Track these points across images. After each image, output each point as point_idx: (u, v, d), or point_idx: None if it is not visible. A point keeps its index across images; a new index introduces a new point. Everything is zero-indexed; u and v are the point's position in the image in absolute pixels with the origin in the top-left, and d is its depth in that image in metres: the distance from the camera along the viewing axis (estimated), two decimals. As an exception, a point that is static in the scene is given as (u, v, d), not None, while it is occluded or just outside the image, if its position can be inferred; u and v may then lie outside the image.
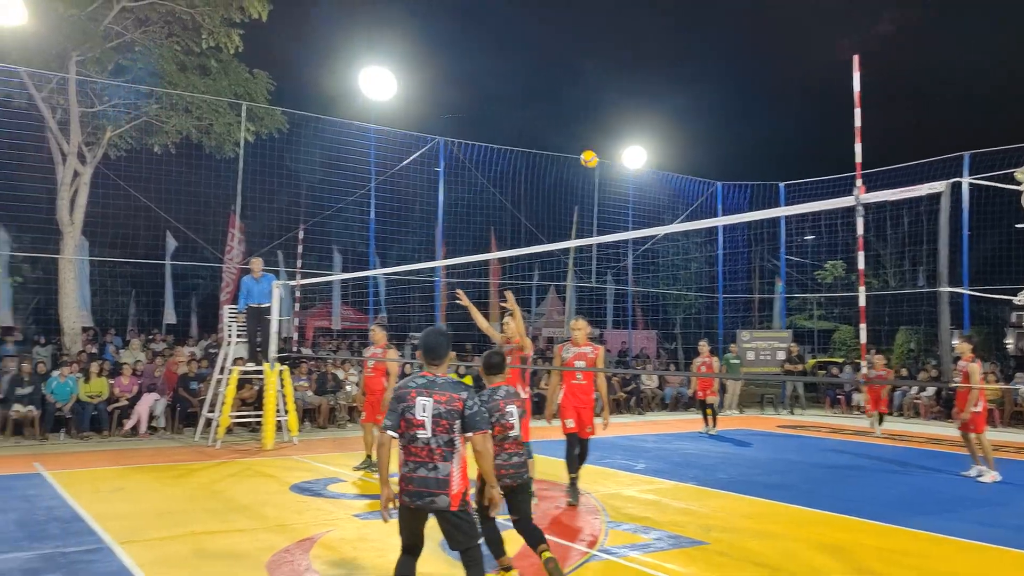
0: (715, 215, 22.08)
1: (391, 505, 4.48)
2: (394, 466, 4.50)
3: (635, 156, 21.71)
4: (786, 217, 22.32)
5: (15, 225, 19.29)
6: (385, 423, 4.47)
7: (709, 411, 15.48)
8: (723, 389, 19.80)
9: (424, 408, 4.40)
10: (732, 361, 19.42)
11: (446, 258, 17.95)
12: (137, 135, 17.55)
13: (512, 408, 5.61)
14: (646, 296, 25.60)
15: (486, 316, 9.63)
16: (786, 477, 10.74)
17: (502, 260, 22.42)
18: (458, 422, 4.44)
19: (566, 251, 22.60)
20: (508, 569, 5.61)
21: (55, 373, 13.87)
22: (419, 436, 4.39)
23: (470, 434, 4.46)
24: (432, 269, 17.97)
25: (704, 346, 15.94)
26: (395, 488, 4.50)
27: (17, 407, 13.10)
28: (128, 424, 13.85)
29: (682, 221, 20.65)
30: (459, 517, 4.45)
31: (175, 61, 16.78)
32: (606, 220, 21.03)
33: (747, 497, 9.14)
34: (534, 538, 5.52)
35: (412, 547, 4.57)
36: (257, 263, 13.54)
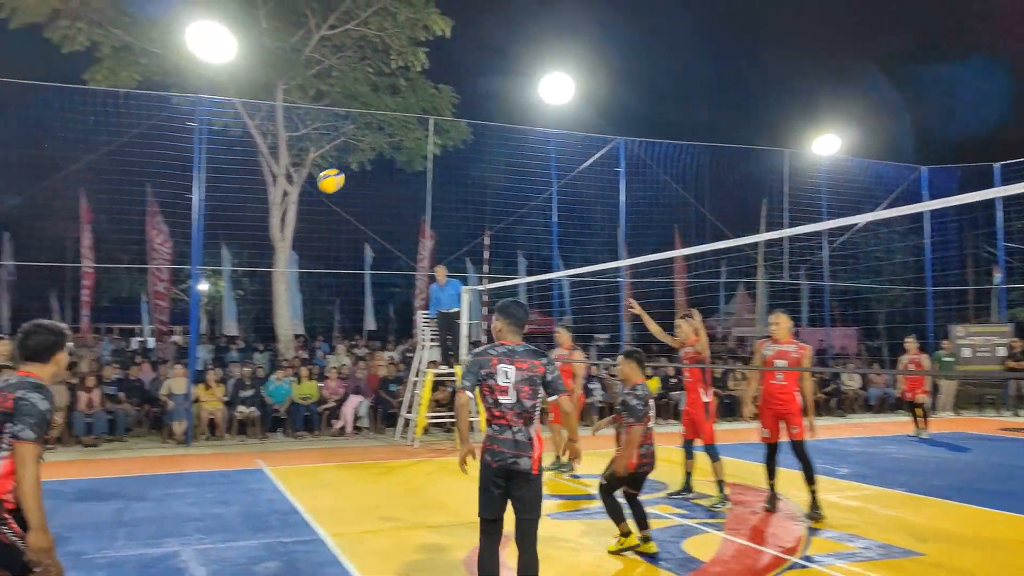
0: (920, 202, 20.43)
1: (470, 458, 4.81)
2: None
3: (827, 143, 20.58)
4: (1005, 201, 20.26)
5: (236, 244, 21.30)
6: (464, 383, 4.79)
7: (919, 411, 14.34)
8: (936, 390, 18.31)
9: (507, 375, 4.65)
10: (946, 359, 17.90)
11: (629, 258, 17.83)
12: (336, 155, 18.82)
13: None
14: (844, 292, 24.13)
15: (671, 316, 9.45)
16: (1010, 484, 9.76)
17: (687, 258, 21.95)
18: (540, 388, 4.69)
19: (755, 247, 21.77)
20: (627, 535, 6.46)
21: (272, 377, 15.14)
22: (502, 401, 4.65)
23: (554, 397, 4.72)
24: (616, 269, 17.91)
25: (911, 343, 14.78)
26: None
27: (241, 408, 14.42)
28: (336, 425, 14.86)
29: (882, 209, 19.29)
30: (537, 480, 4.70)
31: (368, 83, 17.84)
32: (798, 212, 20.03)
33: (966, 506, 8.40)
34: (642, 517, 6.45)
35: (493, 523, 4.78)
36: (440, 271, 14.11)
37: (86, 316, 19.23)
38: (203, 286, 28.13)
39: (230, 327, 21.14)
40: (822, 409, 18.62)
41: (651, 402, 6.39)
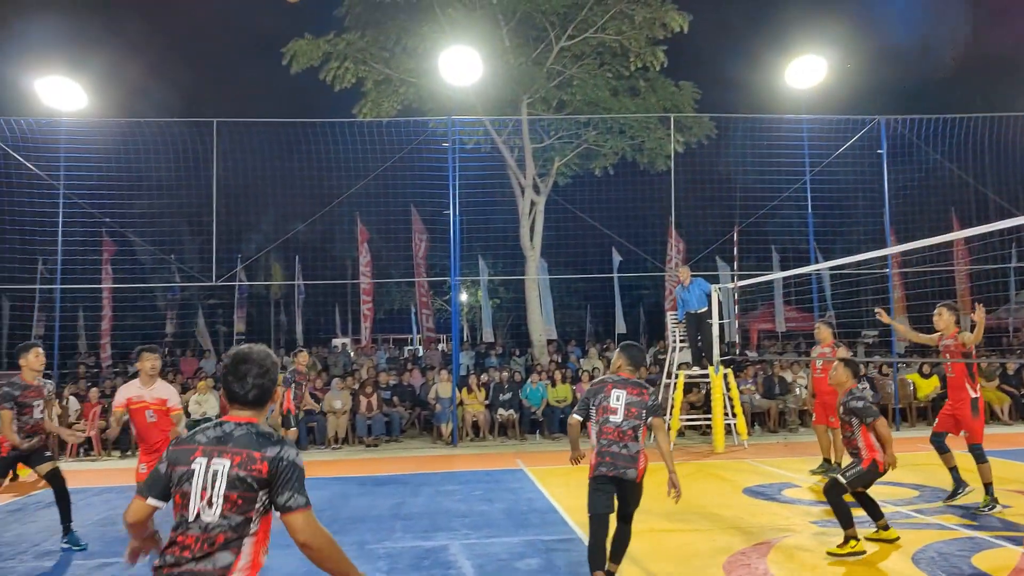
0: None
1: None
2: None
3: None
4: None
5: (490, 254, 22.41)
6: (576, 411, 5.75)
7: None
8: None
9: (618, 398, 5.52)
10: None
11: (897, 245, 16.39)
12: (580, 162, 19.18)
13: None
14: None
15: (956, 307, 8.51)
16: None
17: (968, 242, 19.74)
18: (644, 411, 5.49)
19: (1052, 225, 19.08)
20: (856, 539, 6.41)
21: (528, 381, 15.71)
22: (611, 420, 5.49)
23: (651, 419, 5.51)
24: (882, 259, 16.52)
25: None
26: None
27: (501, 411, 15.11)
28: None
29: None
30: (639, 487, 5.54)
31: (608, 88, 18.02)
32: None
33: None
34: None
35: (604, 513, 5.46)
36: (684, 271, 13.83)
37: (366, 328, 21.18)
38: (463, 296, 29.93)
39: (488, 334, 22.24)
40: None
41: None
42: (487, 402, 15.28)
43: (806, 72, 16.28)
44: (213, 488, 2.77)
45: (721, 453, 12.63)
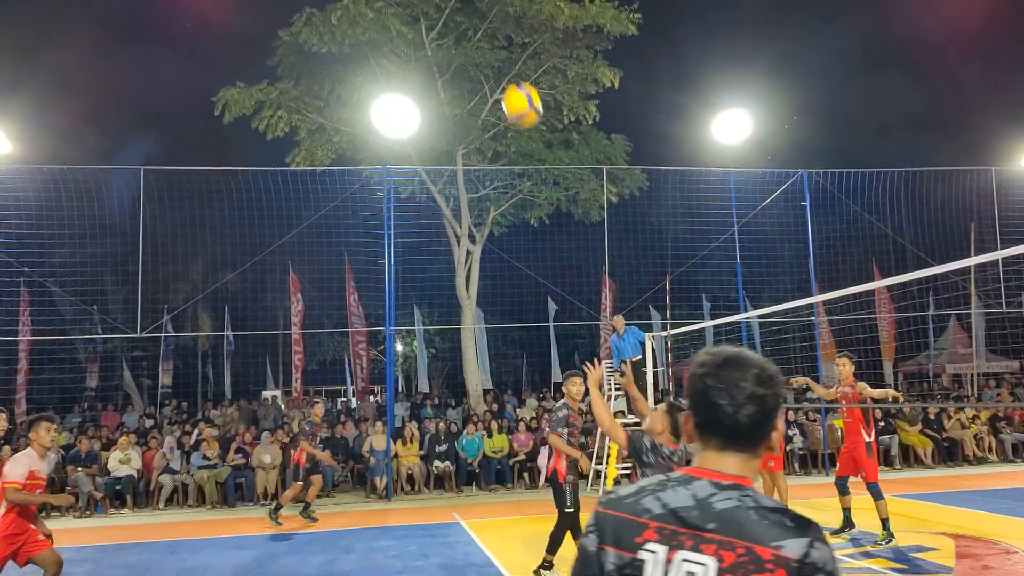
0: None
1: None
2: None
3: (1042, 156, 18.67)
4: None
5: (426, 303, 22.30)
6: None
7: None
8: None
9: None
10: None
11: (822, 294, 16.89)
12: (515, 212, 19.35)
13: None
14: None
15: (876, 352, 8.92)
16: None
17: (889, 290, 20.50)
18: None
19: (965, 273, 19.97)
20: None
21: (464, 432, 15.53)
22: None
23: None
24: (808, 307, 17.00)
25: None
26: None
27: (437, 463, 14.87)
28: (542, 480, 14.95)
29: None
30: None
31: (542, 140, 18.31)
32: (1012, 234, 18.21)
33: None
34: None
35: None
36: (619, 320, 13.99)
37: (297, 379, 20.72)
38: (398, 346, 29.63)
39: (423, 384, 22.02)
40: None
41: None
42: (422, 454, 15.03)
43: (732, 127, 16.83)
44: None
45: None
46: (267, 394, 25.01)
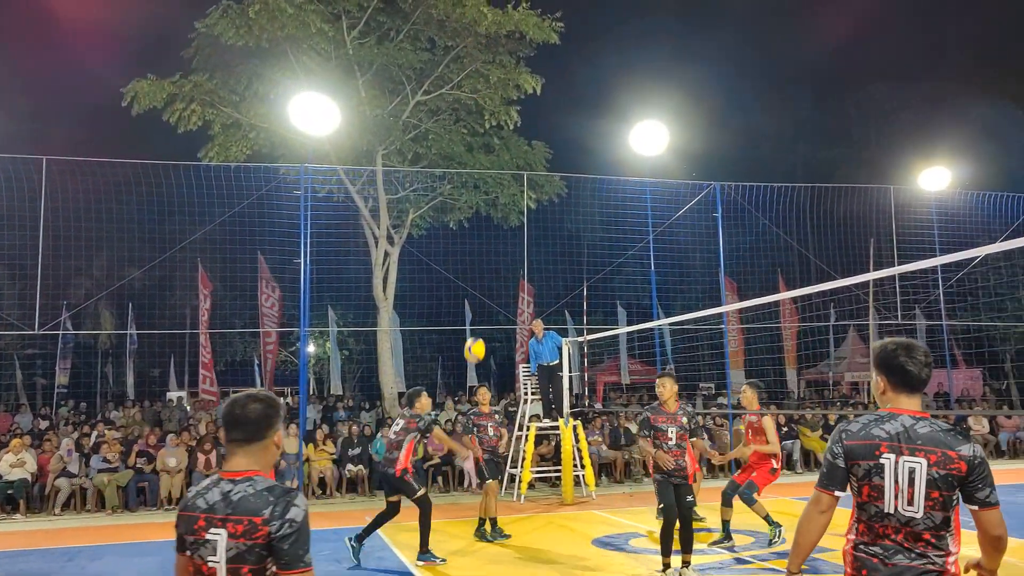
0: (1043, 232, 19.26)
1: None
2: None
3: (936, 177, 19.71)
4: None
5: (341, 305, 21.98)
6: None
7: None
8: None
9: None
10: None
11: (731, 304, 17.42)
12: (434, 214, 19.30)
13: None
14: (965, 330, 22.85)
15: (781, 362, 9.26)
16: None
17: (794, 301, 21.28)
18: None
19: (864, 287, 20.95)
20: None
21: (379, 435, 15.36)
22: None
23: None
24: (718, 316, 17.51)
25: None
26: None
27: (350, 466, 14.67)
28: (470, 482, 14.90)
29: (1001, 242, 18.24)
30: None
31: (463, 143, 18.32)
32: (908, 250, 19.20)
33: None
34: None
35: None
36: (538, 325, 14.12)
37: (206, 380, 20.10)
38: (311, 347, 29.09)
39: (337, 386, 21.70)
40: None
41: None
42: (335, 457, 14.80)
43: (649, 138, 17.20)
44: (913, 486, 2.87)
45: (570, 504, 12.78)
46: (172, 395, 24.18)
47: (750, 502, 8.80)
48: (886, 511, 2.93)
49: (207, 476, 12.35)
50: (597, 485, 14.20)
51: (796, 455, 16.72)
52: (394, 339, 19.44)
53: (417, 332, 23.49)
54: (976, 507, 2.90)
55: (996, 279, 23.89)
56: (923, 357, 2.98)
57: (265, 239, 17.49)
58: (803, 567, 3.14)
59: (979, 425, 18.05)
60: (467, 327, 21.84)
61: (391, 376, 18.51)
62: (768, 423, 8.83)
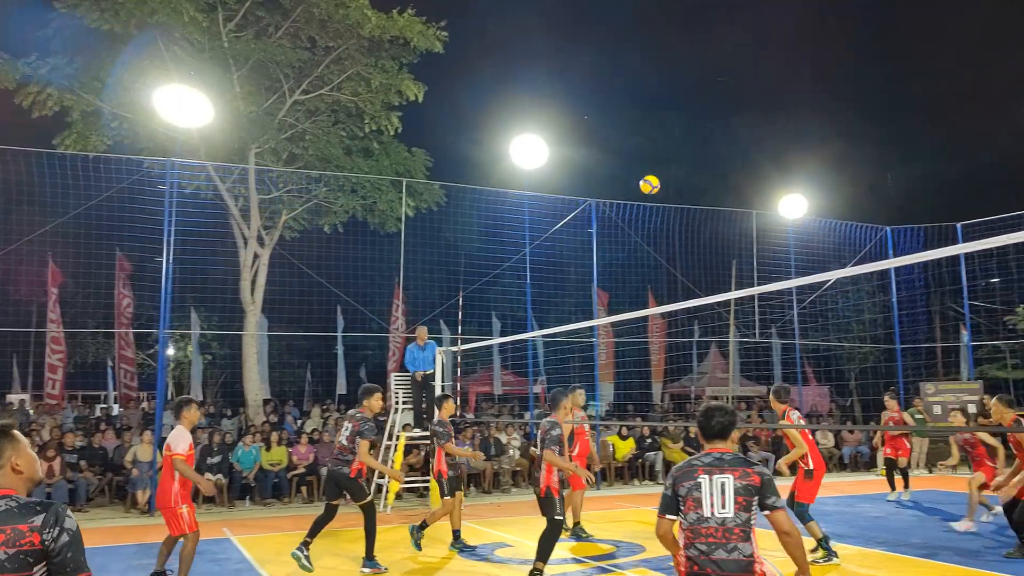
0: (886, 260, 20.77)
1: None
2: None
3: (794, 205, 20.93)
4: (967, 259, 20.67)
5: (205, 307, 21.06)
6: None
7: (898, 477, 14.27)
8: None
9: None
10: (917, 416, 17.96)
11: (603, 318, 17.84)
12: (309, 217, 18.80)
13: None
14: (815, 350, 24.31)
15: (648, 375, 9.55)
16: (987, 542, 9.69)
17: (663, 316, 22.03)
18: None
19: (726, 306, 21.96)
20: None
21: (240, 443, 14.78)
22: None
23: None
24: (589, 330, 17.90)
25: (892, 401, 14.80)
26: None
27: (208, 475, 14.02)
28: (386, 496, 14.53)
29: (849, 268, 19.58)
30: None
31: (341, 146, 17.96)
32: (766, 273, 20.28)
33: (946, 565, 8.31)
34: None
35: None
36: (422, 331, 14.03)
37: (53, 382, 18.77)
38: (171, 351, 27.67)
39: (197, 392, 20.74)
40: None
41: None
42: (192, 466, 14.09)
43: (530, 152, 17.42)
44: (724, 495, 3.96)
45: (438, 515, 12.67)
46: (13, 397, 22.46)
47: (803, 519, 8.45)
48: (705, 515, 3.95)
49: (48, 485, 11.48)
50: (466, 496, 14.16)
51: (659, 466, 17.25)
52: (261, 344, 18.78)
53: (286, 337, 22.82)
54: (768, 511, 3.99)
55: (844, 302, 25.56)
56: (718, 417, 4.19)
57: (125, 235, 16.51)
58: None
59: (825, 439, 19.16)
60: (339, 333, 21.42)
61: (256, 382, 17.86)
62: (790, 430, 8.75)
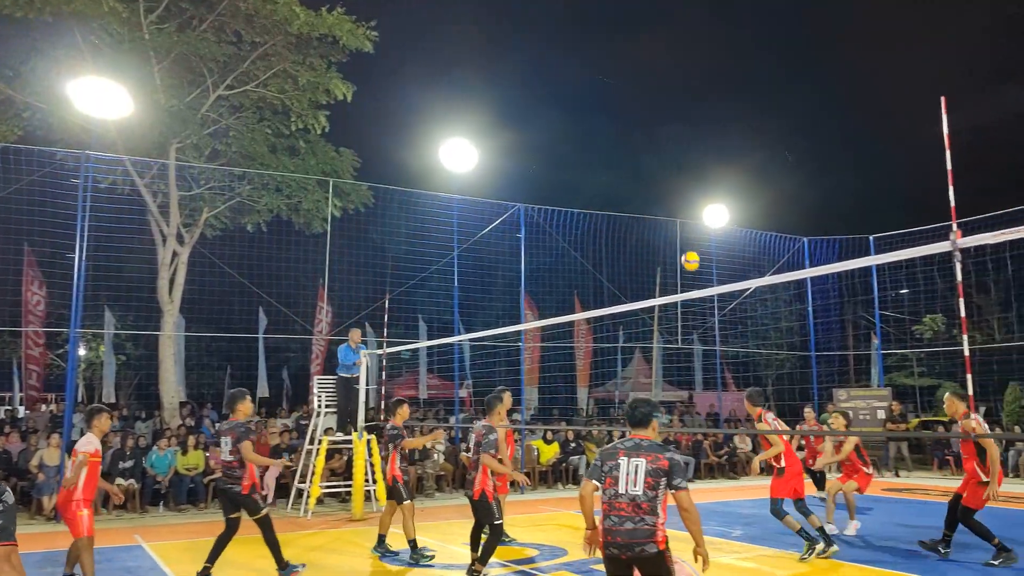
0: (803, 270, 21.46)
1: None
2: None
3: (717, 214, 21.42)
4: (879, 270, 21.53)
5: (119, 306, 20.32)
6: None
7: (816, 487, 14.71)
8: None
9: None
10: (830, 422, 18.58)
11: (530, 322, 17.92)
12: (231, 215, 18.35)
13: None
14: (735, 356, 24.95)
15: (573, 379, 9.63)
16: (893, 543, 10.09)
17: (589, 321, 22.25)
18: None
19: (651, 313, 22.33)
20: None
21: (155, 447, 14.31)
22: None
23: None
24: (517, 334, 17.96)
25: (810, 412, 15.24)
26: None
27: (119, 480, 13.52)
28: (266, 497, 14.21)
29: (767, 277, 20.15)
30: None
31: (266, 143, 17.60)
32: (689, 280, 20.72)
33: (854, 565, 8.62)
34: None
35: None
36: (356, 333, 13.87)
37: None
38: (82, 351, 26.61)
39: (109, 394, 20.00)
40: (716, 472, 19.01)
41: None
42: (103, 470, 13.58)
43: (459, 155, 17.39)
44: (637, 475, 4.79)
45: (359, 520, 12.52)
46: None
47: (779, 516, 9.06)
48: (620, 492, 4.79)
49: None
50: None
51: (582, 470, 17.40)
52: (178, 345, 18.22)
53: (205, 339, 22.22)
54: (673, 491, 4.78)
55: (763, 310, 26.32)
56: (641, 408, 5.11)
57: (35, 229, 15.80)
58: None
59: (743, 444, 19.67)
60: (260, 335, 20.97)
61: (173, 384, 17.32)
62: (763, 427, 9.21)
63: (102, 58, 15.38)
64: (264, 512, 8.13)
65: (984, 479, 8.50)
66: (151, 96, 15.81)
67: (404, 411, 9.69)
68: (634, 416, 5.09)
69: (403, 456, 9.63)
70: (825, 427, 17.91)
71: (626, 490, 4.76)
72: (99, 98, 13.75)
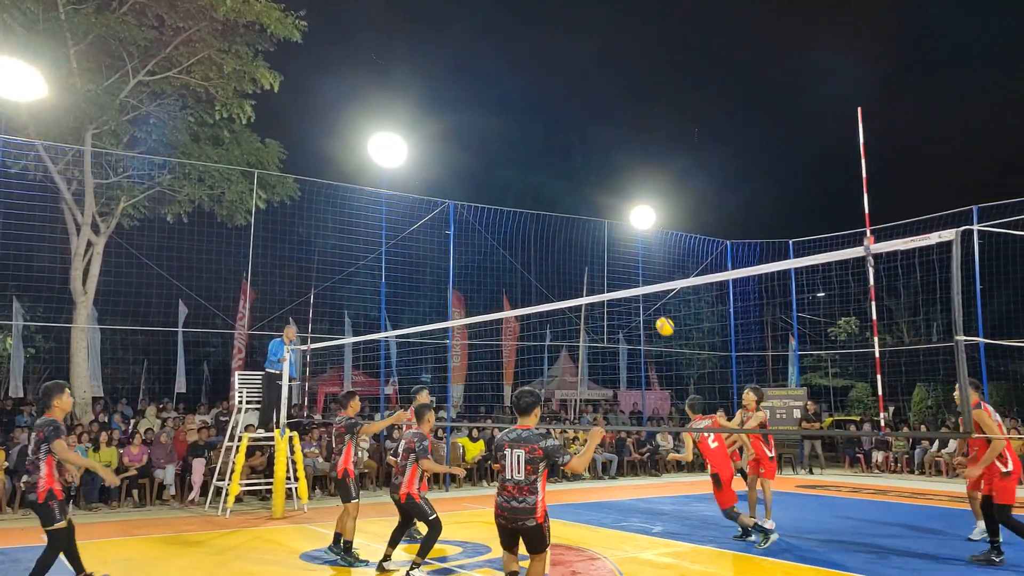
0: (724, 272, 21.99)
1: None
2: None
3: (644, 216, 21.78)
4: (797, 274, 22.22)
5: (28, 296, 19.49)
6: None
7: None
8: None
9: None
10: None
11: (457, 319, 17.88)
12: (151, 205, 17.78)
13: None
14: (659, 355, 25.40)
15: (500, 376, 9.66)
16: (807, 538, 10.44)
17: (516, 319, 22.34)
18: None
19: (577, 312, 22.55)
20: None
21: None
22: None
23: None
24: (444, 331, 17.90)
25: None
26: None
27: (26, 478, 12.95)
28: (191, 496, 13.86)
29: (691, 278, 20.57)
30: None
31: (189, 132, 17.11)
32: (616, 280, 21.01)
33: (768, 559, 8.88)
34: None
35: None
36: (291, 330, 13.58)
37: None
38: (-12, 343, 25.39)
39: (17, 388, 19.17)
40: (639, 469, 19.34)
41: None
42: (7, 466, 13.03)
43: (388, 150, 17.23)
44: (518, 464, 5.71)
45: (280, 519, 12.30)
46: None
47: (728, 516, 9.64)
48: (507, 477, 5.75)
49: None
50: (310, 498, 13.82)
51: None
52: (92, 338, 17.57)
53: (120, 332, 21.47)
54: (562, 466, 5.80)
55: (686, 311, 26.87)
56: (525, 398, 6.02)
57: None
58: None
59: (665, 441, 20.05)
60: (179, 329, 20.42)
61: (85, 379, 16.70)
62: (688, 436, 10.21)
63: (14, 37, 14.70)
64: (59, 525, 7.27)
65: (1005, 470, 8.29)
66: (66, 79, 15.20)
67: (356, 404, 9.43)
68: (519, 405, 6.00)
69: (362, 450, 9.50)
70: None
71: (511, 476, 5.72)
72: (10, 80, 13.14)
